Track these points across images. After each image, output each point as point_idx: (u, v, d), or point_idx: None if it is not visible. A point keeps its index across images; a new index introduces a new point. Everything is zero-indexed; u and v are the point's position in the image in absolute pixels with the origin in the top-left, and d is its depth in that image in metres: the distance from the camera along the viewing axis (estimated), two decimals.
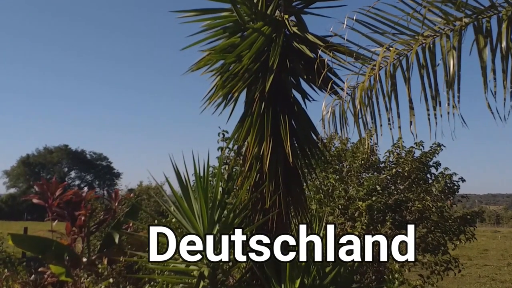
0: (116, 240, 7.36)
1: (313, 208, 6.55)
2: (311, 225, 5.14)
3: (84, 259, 7.24)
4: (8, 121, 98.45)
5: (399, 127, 4.24)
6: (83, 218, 7.48)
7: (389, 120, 4.32)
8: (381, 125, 4.39)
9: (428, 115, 4.16)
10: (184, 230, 4.92)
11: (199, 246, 4.47)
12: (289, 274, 4.36)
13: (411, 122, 4.17)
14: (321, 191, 6.64)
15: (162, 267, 5.07)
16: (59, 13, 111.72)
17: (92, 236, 8.17)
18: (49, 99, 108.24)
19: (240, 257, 4.70)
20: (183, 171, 4.61)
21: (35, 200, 7.90)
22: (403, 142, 7.53)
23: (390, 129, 4.30)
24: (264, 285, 4.50)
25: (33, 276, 7.57)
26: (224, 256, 4.50)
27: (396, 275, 4.43)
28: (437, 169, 7.52)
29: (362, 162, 7.22)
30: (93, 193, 8.00)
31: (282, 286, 4.40)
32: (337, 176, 6.77)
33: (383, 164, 7.55)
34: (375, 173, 7.17)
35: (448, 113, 4.14)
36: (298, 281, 4.38)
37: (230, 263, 4.69)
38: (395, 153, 7.48)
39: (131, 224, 7.87)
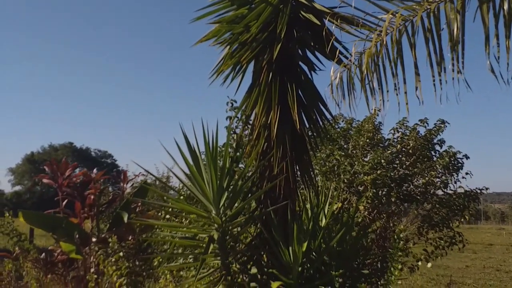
0: (125, 220, 7.45)
1: (319, 184, 6.64)
2: (317, 197, 5.25)
3: (94, 239, 7.34)
4: (14, 119, 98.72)
5: (405, 93, 4.34)
6: (92, 197, 7.60)
7: (395, 86, 4.42)
8: (387, 91, 4.50)
9: (434, 80, 4.26)
10: (194, 197, 5.02)
11: (209, 212, 4.58)
12: (297, 237, 4.46)
13: (416, 88, 4.27)
14: (326, 165, 6.74)
15: (175, 229, 5.18)
16: (64, 10, 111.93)
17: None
18: (55, 97, 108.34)
19: (248, 222, 4.83)
20: (193, 140, 4.71)
21: (45, 180, 8.02)
22: (407, 121, 7.63)
23: (397, 94, 4.41)
24: (272, 248, 4.60)
25: (43, 254, 7.69)
26: (233, 221, 4.62)
27: (400, 244, 4.51)
28: (441, 147, 7.61)
29: (367, 140, 7.32)
30: (102, 174, 8.11)
31: (290, 249, 4.51)
32: (343, 153, 6.87)
33: (387, 142, 7.64)
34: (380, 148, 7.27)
35: (453, 78, 4.25)
36: (305, 244, 4.48)
37: (239, 228, 4.79)
38: (399, 132, 7.58)
39: (139, 204, 7.97)
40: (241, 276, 4.64)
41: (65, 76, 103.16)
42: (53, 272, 7.67)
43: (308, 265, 4.62)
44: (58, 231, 7.33)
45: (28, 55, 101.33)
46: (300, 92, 5.02)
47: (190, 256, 5.20)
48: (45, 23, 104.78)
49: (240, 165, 5.57)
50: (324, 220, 4.95)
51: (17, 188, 66.67)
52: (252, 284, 4.51)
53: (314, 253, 4.68)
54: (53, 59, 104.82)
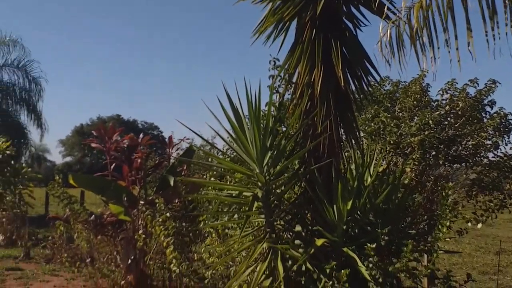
0: (171, 183, 7.59)
1: (364, 147, 6.54)
2: (362, 156, 5.17)
3: (141, 202, 7.52)
4: (64, 92, 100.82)
5: (457, 49, 4.20)
6: (139, 161, 7.77)
7: (446, 42, 4.27)
8: (438, 48, 4.35)
9: (486, 35, 4.10)
10: (239, 160, 5.03)
11: (253, 171, 4.59)
12: (341, 195, 4.42)
13: (468, 43, 4.12)
14: (372, 126, 6.60)
15: (220, 186, 5.24)
16: None
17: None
18: (103, 69, 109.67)
19: (292, 180, 4.82)
20: (236, 100, 4.69)
21: (93, 144, 8.25)
22: (456, 82, 7.37)
23: (448, 51, 4.27)
24: (317, 206, 4.58)
25: (93, 216, 7.96)
26: (277, 179, 4.61)
27: (449, 201, 4.40)
28: (492, 108, 7.33)
29: (414, 102, 7.12)
30: (148, 139, 8.26)
31: (334, 207, 4.48)
32: (389, 114, 6.71)
33: (436, 103, 7.41)
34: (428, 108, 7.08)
35: (507, 33, 4.09)
36: (350, 203, 4.44)
37: (283, 187, 4.79)
38: (448, 93, 7.34)
39: (185, 168, 8.11)
40: (285, 233, 4.66)
41: (113, 48, 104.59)
42: (103, 233, 7.94)
43: (353, 223, 4.58)
44: (107, 193, 7.55)
45: (79, 29, 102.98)
46: (344, 50, 4.91)
47: (235, 216, 5.26)
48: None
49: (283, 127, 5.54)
50: (369, 180, 4.88)
51: (68, 159, 68.85)
52: (296, 241, 4.52)
53: (359, 212, 4.64)
54: (104, 33, 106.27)
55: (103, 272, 7.77)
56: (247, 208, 4.58)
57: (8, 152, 13.34)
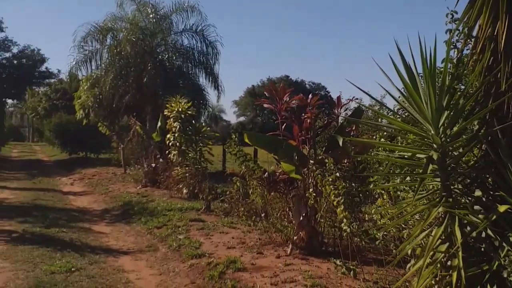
0: (340, 143, 7.62)
1: None
2: None
3: (311, 161, 7.68)
4: (237, 54, 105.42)
5: None
6: (309, 121, 7.90)
7: None
8: None
9: None
10: (410, 120, 4.86)
11: (427, 132, 4.40)
12: None
13: None
14: None
15: (392, 147, 5.13)
16: None
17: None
18: (272, 31, 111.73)
19: (471, 142, 4.52)
20: (409, 57, 4.50)
21: (265, 105, 8.58)
22: None
23: None
24: (500, 170, 4.25)
25: (266, 173, 8.36)
26: (454, 141, 4.36)
27: None
28: None
29: None
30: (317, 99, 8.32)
31: None
32: None
33: None
34: None
35: None
36: None
37: (461, 150, 4.52)
38: None
39: (353, 128, 8.06)
40: (463, 198, 4.42)
41: (285, 10, 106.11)
42: (276, 190, 8.33)
43: None
44: (279, 151, 7.87)
45: None
46: None
47: (407, 178, 5.12)
48: None
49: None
50: None
51: (241, 119, 72.97)
52: (476, 206, 4.26)
53: None
54: None
55: (277, 227, 8.20)
56: (420, 171, 4.43)
57: (189, 112, 14.59)
